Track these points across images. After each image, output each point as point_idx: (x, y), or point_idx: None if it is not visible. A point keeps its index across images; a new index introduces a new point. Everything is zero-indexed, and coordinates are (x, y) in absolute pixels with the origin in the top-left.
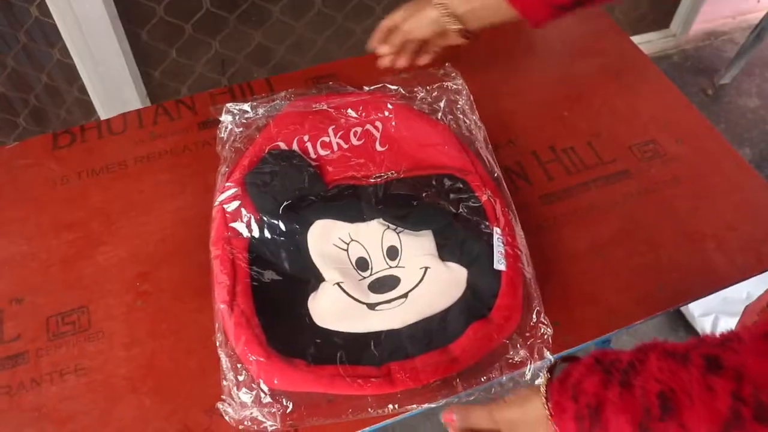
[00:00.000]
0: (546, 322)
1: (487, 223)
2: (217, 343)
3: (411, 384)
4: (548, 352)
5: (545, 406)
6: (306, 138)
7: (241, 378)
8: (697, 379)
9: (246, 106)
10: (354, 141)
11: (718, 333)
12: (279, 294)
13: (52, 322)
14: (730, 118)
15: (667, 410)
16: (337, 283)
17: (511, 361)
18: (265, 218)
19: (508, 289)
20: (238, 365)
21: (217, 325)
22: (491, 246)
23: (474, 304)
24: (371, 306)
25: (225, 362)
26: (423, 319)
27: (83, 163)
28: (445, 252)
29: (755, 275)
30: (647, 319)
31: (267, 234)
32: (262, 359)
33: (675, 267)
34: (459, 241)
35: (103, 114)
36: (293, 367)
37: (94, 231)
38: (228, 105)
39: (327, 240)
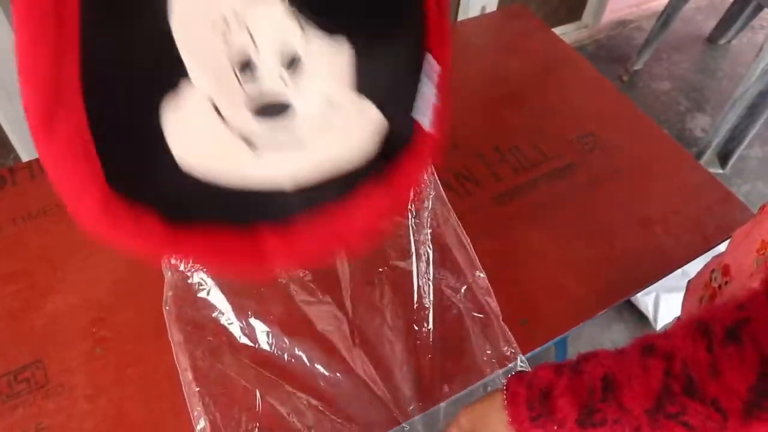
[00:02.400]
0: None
1: (423, 50)
2: None
3: (284, 253)
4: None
5: (503, 395)
6: None
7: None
8: (635, 362)
9: None
10: None
11: (659, 310)
12: (121, 84)
13: (3, 382)
14: (647, 103)
15: (608, 391)
16: (210, 98)
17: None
18: None
19: (418, 150)
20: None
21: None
22: (416, 81)
23: (384, 149)
24: (254, 147)
25: (194, 406)
26: (321, 178)
27: (17, 208)
28: (362, 80)
29: (702, 254)
30: (609, 308)
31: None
32: (95, 206)
33: (629, 254)
34: (382, 69)
35: (23, 151)
36: (141, 223)
37: (39, 280)
38: None
39: (201, 13)
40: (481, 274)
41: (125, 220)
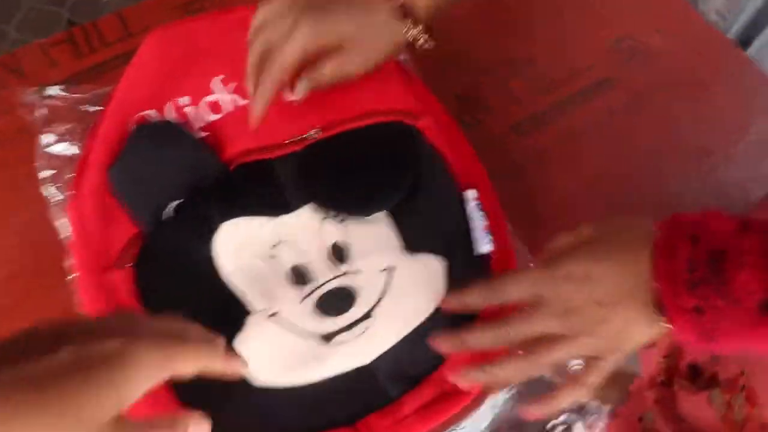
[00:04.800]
0: None
1: (455, 186)
2: None
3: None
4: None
5: (652, 241)
6: (185, 100)
7: None
8: None
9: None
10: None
11: None
12: None
13: None
14: None
15: None
16: (272, 315)
17: None
18: (147, 231)
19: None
20: None
21: None
22: (466, 219)
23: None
24: (326, 338)
25: None
26: (399, 342)
27: None
28: (411, 239)
29: None
30: None
31: (155, 257)
32: None
33: (683, 197)
34: (426, 219)
35: None
36: None
37: None
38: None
39: (243, 249)
40: None
41: None
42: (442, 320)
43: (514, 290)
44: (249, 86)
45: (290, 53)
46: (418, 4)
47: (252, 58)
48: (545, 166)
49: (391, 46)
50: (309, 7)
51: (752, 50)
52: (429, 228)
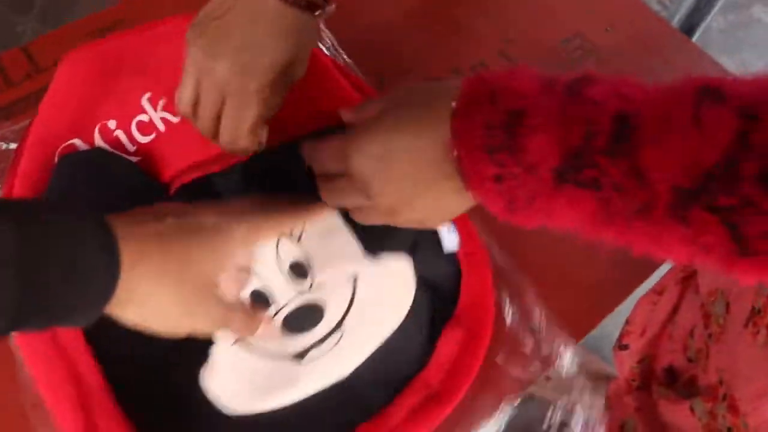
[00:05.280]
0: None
1: None
2: None
3: None
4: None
5: (452, 100)
6: (113, 125)
7: None
8: (684, 107)
9: None
10: None
11: None
12: (152, 389)
13: None
14: None
15: (623, 139)
16: (237, 340)
17: None
18: None
19: (470, 270)
20: None
21: None
22: None
23: (433, 304)
24: (299, 357)
25: None
26: (375, 350)
27: None
28: (372, 241)
29: None
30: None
31: None
32: None
33: None
34: None
35: None
36: None
37: None
38: None
39: None
40: None
41: None
42: (417, 321)
43: (323, 159)
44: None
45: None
46: None
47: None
48: None
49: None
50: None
51: (695, 38)
52: (388, 228)
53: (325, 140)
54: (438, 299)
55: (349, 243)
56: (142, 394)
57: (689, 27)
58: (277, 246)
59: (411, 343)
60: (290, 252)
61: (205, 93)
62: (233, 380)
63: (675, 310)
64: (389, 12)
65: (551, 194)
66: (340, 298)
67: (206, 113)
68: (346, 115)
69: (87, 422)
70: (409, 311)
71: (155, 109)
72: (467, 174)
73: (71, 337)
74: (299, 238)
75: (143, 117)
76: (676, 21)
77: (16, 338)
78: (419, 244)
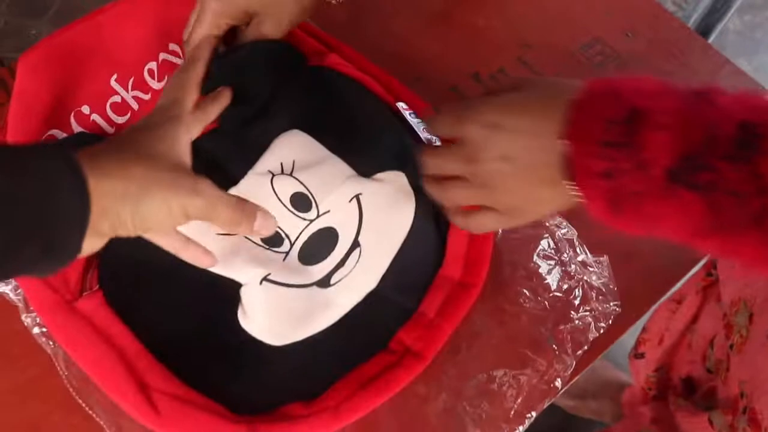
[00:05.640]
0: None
1: (383, 104)
2: None
3: (437, 345)
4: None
5: (570, 97)
6: (87, 110)
7: None
8: None
9: None
10: (155, 84)
11: None
12: (193, 341)
13: None
14: None
15: (744, 146)
16: (264, 278)
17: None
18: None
19: None
20: None
21: None
22: (410, 129)
23: (434, 205)
24: (323, 283)
25: None
26: (394, 258)
27: None
28: (361, 165)
29: None
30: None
31: (117, 270)
32: None
33: None
34: (368, 141)
35: None
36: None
37: None
38: None
39: (204, 233)
40: None
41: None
42: (424, 225)
43: (436, 124)
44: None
45: (199, 33)
46: None
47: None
48: None
49: (300, 10)
50: None
51: (711, 39)
52: (374, 149)
53: (444, 106)
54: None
55: (342, 168)
56: (185, 352)
57: (705, 28)
58: (271, 183)
59: (425, 243)
60: (287, 186)
61: None
62: (270, 316)
63: (695, 319)
64: (407, 18)
65: (660, 195)
66: (349, 218)
67: None
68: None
69: (139, 383)
70: (415, 216)
71: (126, 90)
72: (575, 166)
73: (103, 317)
74: (291, 172)
75: (116, 98)
76: (692, 22)
77: (52, 330)
78: (407, 153)
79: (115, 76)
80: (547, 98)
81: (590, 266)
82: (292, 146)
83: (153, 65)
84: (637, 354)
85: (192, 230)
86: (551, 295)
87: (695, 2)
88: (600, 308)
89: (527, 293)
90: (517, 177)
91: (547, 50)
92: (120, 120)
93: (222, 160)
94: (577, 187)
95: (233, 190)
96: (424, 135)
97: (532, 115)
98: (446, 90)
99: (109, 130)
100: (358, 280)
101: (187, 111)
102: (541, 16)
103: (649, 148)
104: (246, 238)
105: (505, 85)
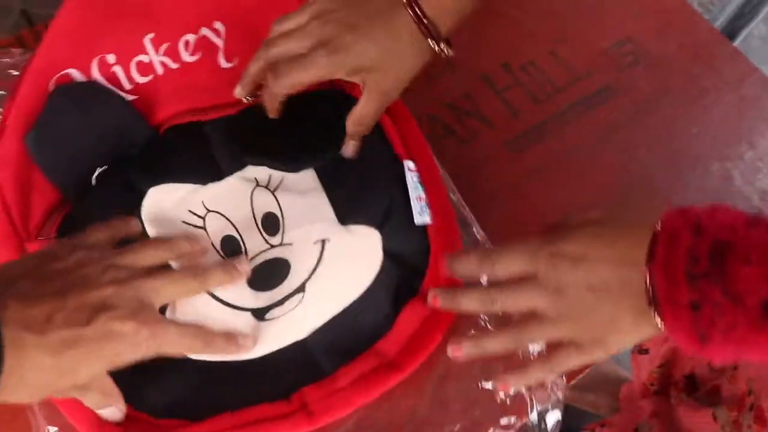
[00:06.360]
0: None
1: (394, 154)
2: None
3: (337, 413)
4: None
5: (653, 230)
6: (112, 59)
7: None
8: None
9: None
10: (186, 57)
11: None
12: None
13: None
14: None
15: None
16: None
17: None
18: (70, 199)
19: (438, 247)
20: None
21: None
22: (406, 191)
23: (399, 278)
24: (259, 313)
25: None
26: (334, 316)
27: None
28: (344, 210)
29: None
30: None
31: (79, 226)
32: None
33: None
34: (359, 188)
35: None
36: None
37: None
38: None
39: (171, 216)
40: None
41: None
42: (379, 293)
43: (509, 261)
44: (239, 88)
45: (298, 81)
46: (442, 21)
47: (256, 64)
48: (542, 185)
49: (415, 69)
50: (331, 33)
51: (737, 42)
52: (364, 198)
53: (509, 245)
54: (405, 273)
55: (323, 206)
56: None
57: (731, 32)
58: (252, 194)
59: (372, 313)
60: (265, 202)
61: (314, 30)
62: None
63: None
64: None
65: (756, 327)
66: (306, 260)
67: (293, 46)
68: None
69: None
70: (374, 281)
71: (156, 52)
72: (661, 298)
73: None
74: (275, 189)
75: (143, 57)
76: (717, 24)
77: None
78: (391, 215)
79: (150, 36)
80: (628, 229)
81: None
82: None
83: (191, 37)
84: (641, 350)
85: (160, 211)
86: None
87: (722, 5)
88: None
89: None
90: (603, 308)
91: (579, 45)
92: (140, 80)
93: (216, 151)
94: (662, 318)
95: (212, 186)
96: (416, 201)
97: (617, 246)
98: (477, 79)
99: (127, 85)
100: (289, 326)
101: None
102: (576, 12)
103: (741, 281)
104: (209, 239)
105: (568, 222)
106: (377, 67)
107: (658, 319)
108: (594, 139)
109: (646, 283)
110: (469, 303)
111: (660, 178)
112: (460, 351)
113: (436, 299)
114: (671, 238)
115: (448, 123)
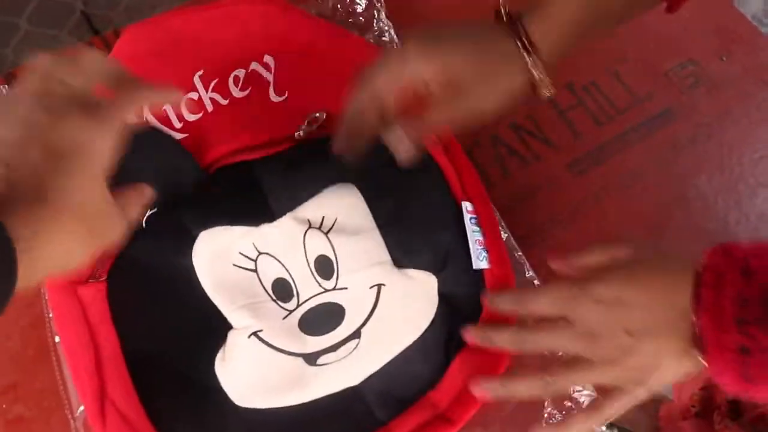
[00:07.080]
0: None
1: (450, 198)
2: None
3: None
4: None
5: (697, 272)
6: None
7: None
8: None
9: None
10: (236, 92)
11: None
12: (167, 364)
13: None
14: None
15: None
16: (254, 333)
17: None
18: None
19: (495, 292)
20: None
21: None
22: (463, 233)
23: (452, 324)
24: (310, 359)
25: None
26: (388, 362)
27: None
28: (401, 253)
29: None
30: None
31: (129, 269)
32: None
33: None
34: (416, 230)
35: None
36: None
37: None
38: None
39: (223, 259)
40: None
41: None
42: (434, 339)
43: (543, 303)
44: (341, 133)
45: (375, 89)
46: (546, 40)
47: (355, 105)
48: (602, 207)
49: (508, 96)
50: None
51: None
52: (420, 242)
53: (542, 287)
54: (459, 319)
55: (378, 248)
56: (155, 371)
57: None
58: (304, 236)
59: (426, 360)
60: (318, 245)
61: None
62: (245, 372)
63: None
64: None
65: None
66: (361, 305)
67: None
68: (559, 263)
69: (100, 387)
70: (428, 328)
71: (206, 89)
72: (708, 341)
73: (98, 310)
74: (328, 231)
75: (193, 95)
76: None
77: (51, 305)
78: (449, 259)
79: (200, 73)
80: (669, 272)
81: None
82: (342, 203)
83: (241, 72)
84: None
85: (212, 255)
86: None
87: None
88: None
89: None
90: (643, 350)
91: (640, 66)
92: (190, 118)
93: (267, 191)
94: (708, 361)
95: (264, 227)
96: (474, 245)
97: (653, 287)
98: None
99: (177, 124)
100: (344, 371)
101: None
102: (638, 32)
103: None
104: (260, 283)
105: (612, 254)
106: (462, 82)
107: (703, 362)
108: (654, 162)
109: (693, 326)
110: (499, 340)
111: (719, 204)
112: (487, 392)
113: (468, 333)
114: (717, 280)
115: (511, 144)
